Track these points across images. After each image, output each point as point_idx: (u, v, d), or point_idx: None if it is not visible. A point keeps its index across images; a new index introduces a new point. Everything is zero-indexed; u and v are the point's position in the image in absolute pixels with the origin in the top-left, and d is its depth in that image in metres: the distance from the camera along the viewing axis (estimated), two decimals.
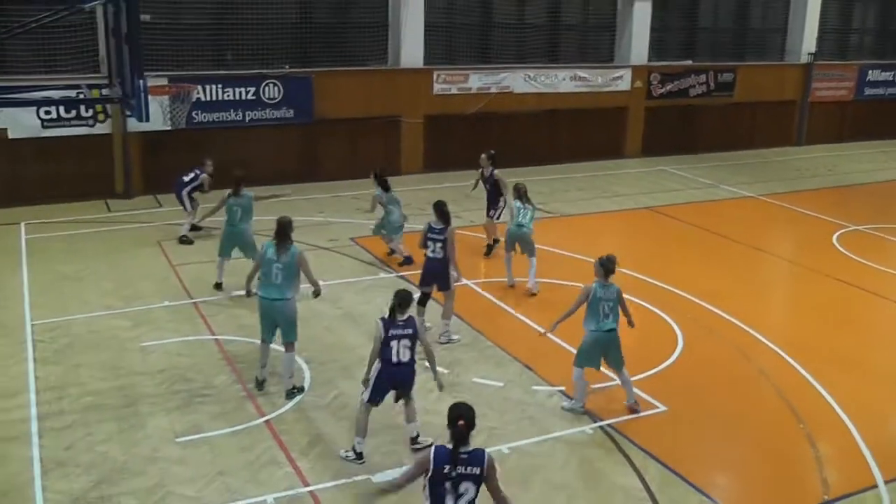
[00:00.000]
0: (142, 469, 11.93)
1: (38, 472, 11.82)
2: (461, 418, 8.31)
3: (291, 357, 13.99)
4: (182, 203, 22.52)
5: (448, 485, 8.24)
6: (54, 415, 13.37)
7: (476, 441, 12.46)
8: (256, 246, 17.53)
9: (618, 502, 11.57)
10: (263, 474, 11.86)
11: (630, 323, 13.91)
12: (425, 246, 16.27)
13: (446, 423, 8.46)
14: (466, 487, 8.28)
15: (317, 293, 14.49)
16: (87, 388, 14.24)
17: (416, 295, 14.57)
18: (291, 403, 13.80)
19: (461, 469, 8.23)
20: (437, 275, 16.20)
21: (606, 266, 13.73)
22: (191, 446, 12.54)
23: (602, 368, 13.90)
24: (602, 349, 13.66)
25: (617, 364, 13.75)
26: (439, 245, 16.03)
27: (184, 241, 22.00)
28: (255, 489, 11.52)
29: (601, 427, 13.29)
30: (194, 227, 22.43)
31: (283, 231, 13.90)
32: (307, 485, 11.65)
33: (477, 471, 8.28)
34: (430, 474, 8.32)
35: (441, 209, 16.31)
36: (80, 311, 17.63)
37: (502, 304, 18.33)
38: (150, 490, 11.44)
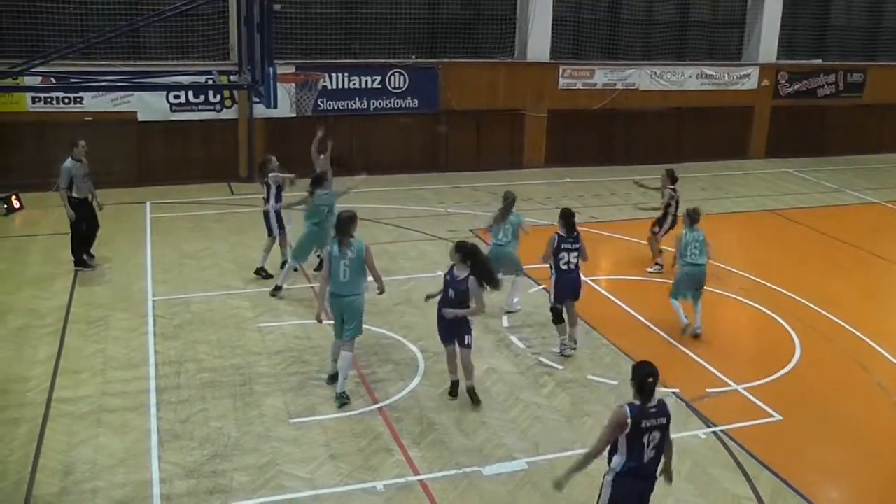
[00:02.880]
0: (255, 447, 12.15)
1: (155, 443, 12.15)
2: (650, 375, 9.04)
3: (349, 357, 13.61)
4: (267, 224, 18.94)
5: (645, 437, 8.93)
6: (172, 388, 13.72)
7: (588, 439, 12.50)
8: None
9: None
10: (374, 461, 11.96)
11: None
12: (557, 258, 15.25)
13: (631, 380, 9.14)
14: (656, 436, 9.01)
15: (381, 290, 14.03)
16: (205, 365, 14.57)
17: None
18: (406, 391, 13.90)
19: (653, 421, 8.97)
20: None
21: (693, 216, 16.65)
22: (304, 428, 12.72)
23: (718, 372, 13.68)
24: (694, 283, 16.53)
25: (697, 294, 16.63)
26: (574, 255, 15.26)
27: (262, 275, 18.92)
28: (365, 475, 11.63)
29: (714, 433, 13.11)
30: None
31: (342, 227, 13.36)
32: (417, 474, 11.71)
33: (664, 420, 9.08)
34: (628, 431, 8.90)
35: (568, 218, 15.30)
36: (200, 289, 18.04)
37: (619, 302, 18.19)
38: (263, 468, 11.64)
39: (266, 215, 18.67)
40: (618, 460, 9.06)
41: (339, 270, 13.25)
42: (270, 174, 18.56)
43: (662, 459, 9.30)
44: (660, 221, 20.26)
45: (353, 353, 13.72)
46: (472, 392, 13.67)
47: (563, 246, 15.15)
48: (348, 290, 13.35)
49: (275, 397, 13.58)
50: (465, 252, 13.13)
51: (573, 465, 9.30)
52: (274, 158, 19.00)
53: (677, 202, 20.20)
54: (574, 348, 15.58)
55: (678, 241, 16.77)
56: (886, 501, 11.92)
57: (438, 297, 13.53)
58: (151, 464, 11.67)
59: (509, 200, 17.09)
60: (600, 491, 9.23)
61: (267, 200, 18.62)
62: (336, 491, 11.28)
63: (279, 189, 18.66)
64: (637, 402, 8.98)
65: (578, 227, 15.37)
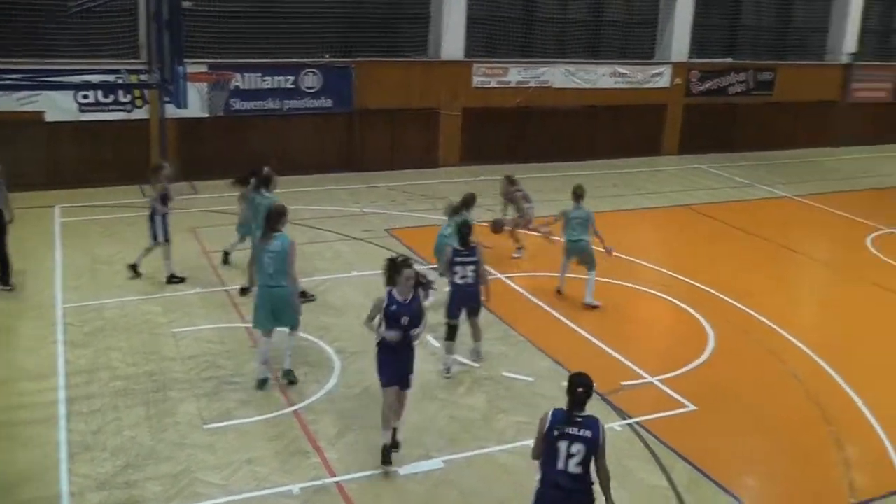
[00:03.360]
0: (169, 455, 11.96)
1: (65, 456, 11.86)
2: (581, 385, 8.82)
3: (294, 340, 14.32)
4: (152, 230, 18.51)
5: (563, 445, 8.75)
6: (83, 398, 13.42)
7: (505, 436, 12.54)
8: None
9: (644, 500, 11.50)
10: (290, 464, 11.86)
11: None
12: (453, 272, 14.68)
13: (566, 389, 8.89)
14: (579, 448, 8.75)
15: (293, 291, 14.10)
16: (117, 373, 14.30)
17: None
18: (322, 393, 13.83)
19: (576, 430, 8.75)
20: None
21: (577, 192, 17.92)
22: (219, 433, 12.56)
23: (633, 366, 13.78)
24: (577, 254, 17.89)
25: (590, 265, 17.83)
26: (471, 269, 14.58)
27: (174, 280, 18.71)
28: (281, 478, 11.51)
29: (630, 424, 13.23)
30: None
31: (270, 220, 13.83)
32: (334, 475, 11.63)
33: (589, 434, 8.75)
34: (545, 433, 8.85)
35: (461, 229, 14.84)
36: (112, 295, 17.71)
37: (534, 298, 18.26)
38: (177, 476, 11.46)
39: (152, 219, 18.23)
40: (539, 467, 9.03)
41: (265, 262, 13.64)
42: (159, 184, 18.11)
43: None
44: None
45: (297, 335, 14.40)
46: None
47: (456, 259, 14.57)
48: (275, 281, 13.64)
49: (189, 403, 13.38)
50: (416, 276, 11.83)
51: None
52: (167, 165, 18.65)
53: (527, 197, 21.22)
54: (477, 365, 15.04)
55: (563, 215, 18.01)
56: (801, 488, 12.09)
57: (382, 337, 11.81)
58: (61, 477, 11.39)
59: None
60: None
61: (155, 206, 18.17)
62: (252, 496, 11.14)
63: (166, 197, 18.18)
64: (564, 409, 8.87)
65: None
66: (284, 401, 13.55)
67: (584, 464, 8.81)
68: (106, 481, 11.31)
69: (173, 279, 18.49)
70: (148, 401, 13.40)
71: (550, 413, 8.89)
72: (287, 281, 13.74)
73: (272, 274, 13.62)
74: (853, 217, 26.29)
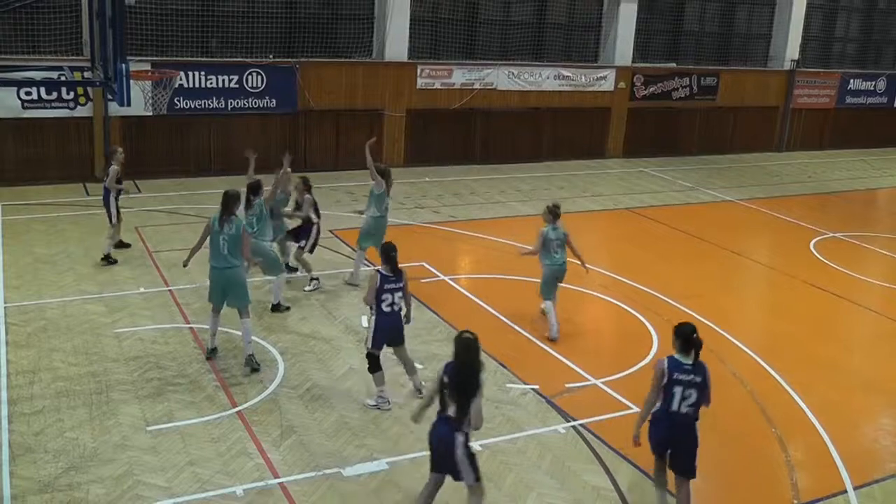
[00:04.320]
0: (112, 457, 11.85)
1: (7, 458, 11.71)
2: (695, 331, 10.36)
3: (248, 323, 14.63)
4: (108, 212, 19.59)
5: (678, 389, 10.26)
6: (25, 399, 13.27)
7: None
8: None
9: (588, 502, 11.56)
10: (234, 465, 11.80)
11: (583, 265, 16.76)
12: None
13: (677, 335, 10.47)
14: (690, 393, 10.27)
15: (246, 269, 14.85)
16: (60, 374, 14.15)
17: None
18: (266, 394, 13.76)
19: (688, 377, 10.29)
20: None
21: (554, 211, 16.52)
22: (162, 435, 12.47)
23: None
24: (558, 280, 16.62)
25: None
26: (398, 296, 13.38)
27: (110, 261, 19.44)
28: (225, 480, 11.46)
29: (573, 427, 13.30)
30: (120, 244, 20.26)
31: (227, 203, 14.38)
32: (277, 476, 11.60)
33: (700, 379, 10.29)
34: (665, 381, 10.30)
35: (388, 254, 13.39)
36: (54, 295, 17.53)
37: (479, 301, 18.29)
38: (120, 479, 11.36)
39: (106, 202, 19.41)
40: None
41: (220, 244, 14.24)
42: (116, 165, 19.46)
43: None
44: (301, 233, 18.46)
45: (250, 318, 14.73)
46: None
47: (385, 286, 13.15)
48: (227, 262, 14.30)
49: (132, 405, 13.27)
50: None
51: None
52: (120, 150, 20.16)
53: (317, 209, 18.72)
54: (420, 396, 13.24)
55: (540, 237, 16.40)
56: (746, 489, 12.20)
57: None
58: (2, 480, 11.24)
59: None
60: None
61: (108, 187, 19.30)
62: (195, 498, 11.07)
63: (119, 179, 19.55)
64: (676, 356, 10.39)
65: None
66: (228, 402, 13.47)
67: (696, 405, 10.33)
68: (48, 483, 11.19)
69: (109, 259, 19.33)
70: (90, 402, 13.27)
71: (666, 363, 10.35)
72: (239, 262, 14.35)
73: (226, 255, 14.24)
74: (796, 221, 26.63)
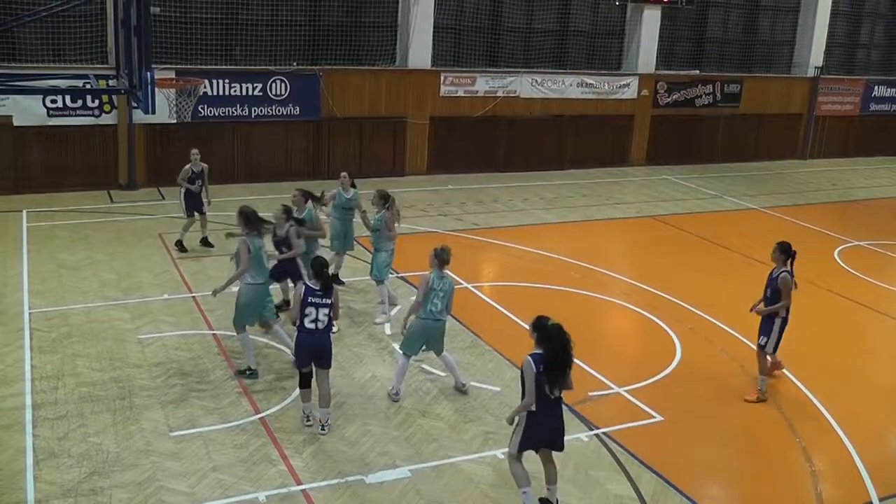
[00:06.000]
0: (135, 462, 11.90)
1: (31, 462, 11.77)
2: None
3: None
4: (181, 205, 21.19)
5: None
6: (49, 404, 13.34)
7: (472, 446, 12.53)
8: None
9: None
10: (256, 471, 11.82)
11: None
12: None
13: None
14: None
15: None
16: (83, 379, 14.22)
17: None
18: (288, 401, 13.77)
19: None
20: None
21: (441, 257, 13.76)
22: (185, 441, 12.51)
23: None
24: (427, 339, 14.06)
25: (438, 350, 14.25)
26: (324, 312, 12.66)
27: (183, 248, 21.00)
28: (247, 486, 11.48)
29: (597, 435, 13.26)
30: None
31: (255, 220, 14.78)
32: (300, 483, 11.61)
33: None
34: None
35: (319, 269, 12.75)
36: (79, 300, 17.61)
37: (502, 308, 18.27)
38: (142, 484, 11.41)
39: (180, 195, 21.10)
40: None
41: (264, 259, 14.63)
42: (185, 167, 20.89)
43: None
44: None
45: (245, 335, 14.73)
46: None
47: (309, 299, 12.51)
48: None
49: (155, 410, 13.32)
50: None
51: None
52: (195, 151, 21.15)
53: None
54: (324, 432, 12.91)
55: (422, 283, 13.79)
56: (765, 498, 12.16)
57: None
58: (27, 484, 11.31)
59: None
60: None
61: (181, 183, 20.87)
62: (217, 503, 11.13)
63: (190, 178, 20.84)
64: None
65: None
66: (251, 408, 13.50)
67: None
68: (72, 488, 11.24)
69: (181, 246, 20.87)
70: (114, 407, 13.33)
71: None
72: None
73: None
74: (821, 229, 26.48)
